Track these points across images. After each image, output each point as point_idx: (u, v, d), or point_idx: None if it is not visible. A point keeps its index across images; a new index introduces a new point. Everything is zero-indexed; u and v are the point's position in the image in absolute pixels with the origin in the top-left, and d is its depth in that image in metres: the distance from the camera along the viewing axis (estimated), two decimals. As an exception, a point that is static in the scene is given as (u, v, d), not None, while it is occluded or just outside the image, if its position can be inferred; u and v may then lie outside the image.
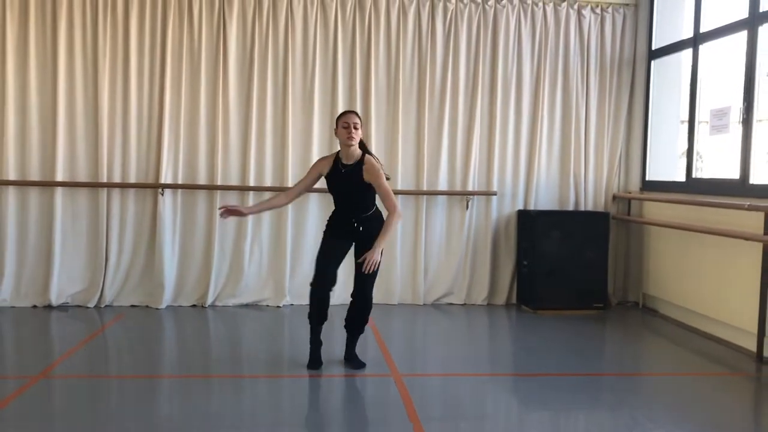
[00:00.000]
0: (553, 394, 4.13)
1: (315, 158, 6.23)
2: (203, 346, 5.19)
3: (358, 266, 4.27)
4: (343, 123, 4.26)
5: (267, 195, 6.23)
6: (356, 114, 4.35)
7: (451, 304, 6.55)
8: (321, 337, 4.53)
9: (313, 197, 6.31)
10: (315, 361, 4.46)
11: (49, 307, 5.98)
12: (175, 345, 5.35)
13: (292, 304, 6.29)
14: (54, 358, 4.68)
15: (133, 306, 6.12)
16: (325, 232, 4.50)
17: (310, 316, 4.47)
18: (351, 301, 4.49)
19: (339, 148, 4.41)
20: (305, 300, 6.19)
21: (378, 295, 6.40)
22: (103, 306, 6.06)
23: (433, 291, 6.57)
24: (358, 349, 4.62)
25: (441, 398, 4.05)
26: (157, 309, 6.05)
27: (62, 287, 6.03)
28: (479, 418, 3.79)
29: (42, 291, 6.01)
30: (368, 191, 4.33)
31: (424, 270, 6.52)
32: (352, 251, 4.46)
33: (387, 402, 3.95)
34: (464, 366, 4.73)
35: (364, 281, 4.35)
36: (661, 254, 6.27)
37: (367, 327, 5.70)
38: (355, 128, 4.23)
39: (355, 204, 4.36)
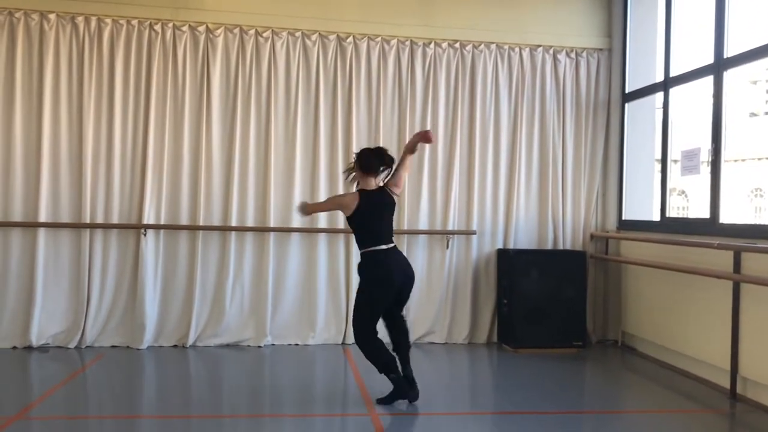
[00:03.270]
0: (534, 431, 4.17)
1: (297, 199, 6.35)
2: (184, 387, 5.19)
3: None
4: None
5: (249, 235, 6.32)
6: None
7: (432, 343, 6.59)
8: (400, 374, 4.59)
9: (295, 236, 6.38)
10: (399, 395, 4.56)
11: (29, 348, 5.96)
12: (155, 385, 5.35)
13: (273, 344, 6.31)
14: (32, 398, 4.66)
15: (114, 346, 6.11)
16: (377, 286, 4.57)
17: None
18: None
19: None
20: (286, 340, 6.31)
21: (359, 334, 6.46)
22: (83, 347, 6.04)
23: (415, 330, 6.55)
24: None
25: (418, 437, 4.08)
26: (138, 349, 6.05)
27: (43, 328, 6.02)
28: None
29: (22, 332, 5.99)
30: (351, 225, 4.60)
31: (405, 309, 6.55)
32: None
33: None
34: (444, 405, 4.77)
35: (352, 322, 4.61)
36: (639, 292, 6.37)
37: (346, 365, 5.78)
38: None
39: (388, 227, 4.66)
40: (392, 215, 4.67)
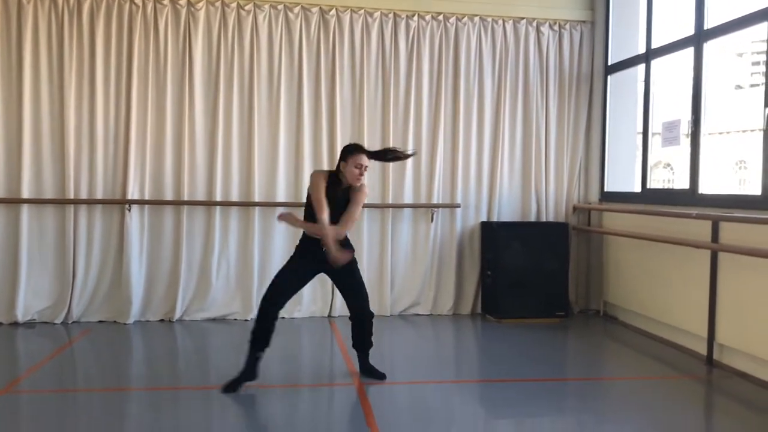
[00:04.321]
0: (516, 398, 4.26)
1: (281, 174, 6.39)
2: (171, 360, 5.24)
3: (346, 288, 4.49)
4: (356, 164, 4.34)
5: (234, 210, 6.34)
6: (366, 155, 4.43)
7: (417, 314, 6.67)
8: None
9: (280, 211, 6.40)
10: (238, 383, 4.26)
11: (15, 324, 5.98)
12: (143, 359, 5.39)
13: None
14: (20, 373, 4.70)
15: (100, 321, 6.15)
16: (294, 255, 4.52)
17: (256, 341, 4.32)
18: (352, 324, 4.59)
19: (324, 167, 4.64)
20: (271, 313, 6.33)
21: (343, 307, 6.51)
22: (70, 322, 6.07)
23: (400, 302, 6.68)
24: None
25: (402, 405, 4.16)
26: (125, 324, 6.08)
27: (29, 304, 6.04)
28: (442, 422, 3.90)
29: (8, 308, 6.00)
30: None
31: (390, 282, 6.64)
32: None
33: (347, 411, 4.06)
34: (429, 373, 4.85)
35: (357, 298, 4.51)
36: (620, 263, 6.46)
37: (333, 338, 5.84)
38: (365, 170, 4.39)
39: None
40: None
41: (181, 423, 3.81)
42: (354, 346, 4.65)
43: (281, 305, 4.41)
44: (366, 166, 4.38)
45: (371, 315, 4.58)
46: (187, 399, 4.22)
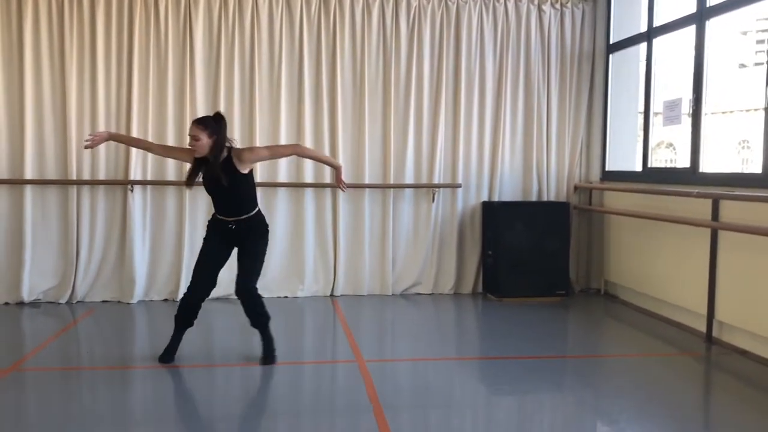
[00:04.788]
0: (517, 375, 4.31)
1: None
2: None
3: (239, 262, 4.36)
4: (189, 134, 4.20)
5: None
6: (198, 124, 4.17)
7: (418, 294, 6.72)
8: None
9: (282, 191, 6.43)
10: (168, 354, 4.41)
11: (20, 303, 6.04)
12: (147, 338, 5.45)
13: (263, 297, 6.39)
14: (26, 351, 4.76)
15: (104, 301, 6.20)
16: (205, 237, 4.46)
17: (179, 324, 4.45)
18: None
19: None
20: (276, 293, 6.39)
21: (348, 286, 6.60)
22: (74, 302, 6.13)
23: (401, 281, 6.72)
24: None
25: (404, 381, 4.22)
26: (128, 304, 6.14)
27: (34, 284, 6.10)
28: (442, 397, 3.95)
29: (13, 288, 6.06)
30: (246, 185, 4.32)
31: (392, 261, 6.68)
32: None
33: (349, 386, 4.11)
34: (431, 351, 4.92)
35: (241, 272, 4.33)
36: (621, 242, 6.49)
37: (335, 316, 5.89)
38: (196, 140, 4.13)
39: (233, 201, 4.32)
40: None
41: (186, 397, 3.87)
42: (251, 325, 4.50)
43: (204, 291, 4.41)
44: (195, 135, 4.13)
45: (250, 291, 4.35)
46: (191, 376, 4.27)
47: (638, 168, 6.40)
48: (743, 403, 3.97)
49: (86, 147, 4.43)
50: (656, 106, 6.21)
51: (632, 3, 6.72)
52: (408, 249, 6.71)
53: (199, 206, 6.30)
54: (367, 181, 6.52)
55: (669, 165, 5.97)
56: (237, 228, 4.34)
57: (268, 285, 6.35)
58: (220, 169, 4.19)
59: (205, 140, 4.15)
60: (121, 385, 4.11)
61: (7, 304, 6.04)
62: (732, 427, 3.57)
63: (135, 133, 6.13)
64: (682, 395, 4.06)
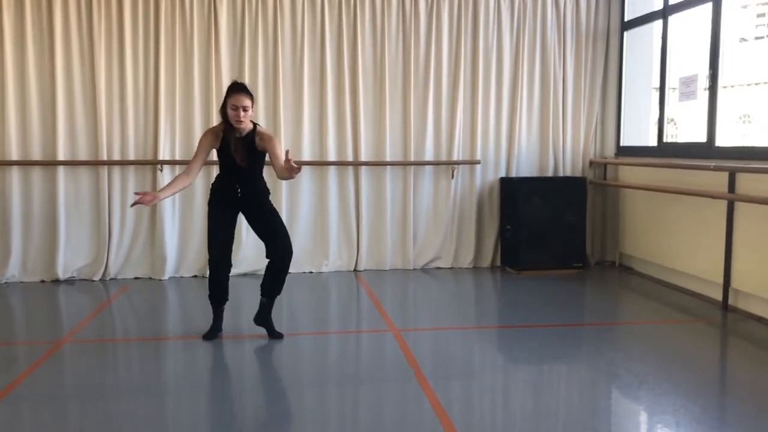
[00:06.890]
0: (536, 342, 4.51)
1: (306, 134, 6.57)
2: (207, 313, 5.47)
3: (262, 228, 4.42)
4: (232, 105, 4.13)
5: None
6: (247, 95, 4.17)
7: (439, 268, 6.92)
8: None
9: (306, 169, 6.59)
10: (213, 333, 4.54)
11: (56, 281, 6.24)
12: (179, 312, 5.66)
13: (289, 272, 6.58)
14: (74, 324, 4.97)
15: (136, 278, 6.41)
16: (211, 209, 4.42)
17: (215, 300, 4.55)
18: (269, 262, 4.44)
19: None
20: (301, 268, 6.58)
21: (370, 261, 6.80)
22: (108, 279, 6.34)
23: (422, 256, 6.92)
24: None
25: (439, 348, 4.42)
26: (160, 280, 6.34)
27: (68, 262, 6.30)
28: (479, 363, 4.16)
29: (49, 266, 6.27)
30: (263, 161, 4.39)
31: (413, 237, 6.87)
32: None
33: (389, 353, 4.31)
34: (453, 320, 5.13)
35: (276, 233, 4.37)
36: (636, 215, 6.67)
37: (360, 289, 6.09)
38: (245, 111, 4.13)
39: (246, 176, 4.35)
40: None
41: (220, 366, 4.08)
42: (262, 290, 4.51)
43: (227, 264, 4.48)
44: (245, 106, 4.12)
45: (291, 251, 4.44)
46: (220, 347, 4.45)
47: (653, 143, 6.56)
48: (759, 366, 4.16)
49: (133, 205, 4.26)
50: (670, 82, 6.36)
51: (646, -20, 6.83)
52: (428, 224, 6.90)
53: (226, 185, 6.47)
54: (388, 158, 6.70)
55: (672, 139, 6.17)
56: (243, 193, 4.35)
57: (294, 260, 6.49)
58: (250, 144, 4.25)
59: (251, 111, 4.22)
60: (173, 355, 4.32)
61: (42, 281, 6.25)
62: (750, 385, 3.79)
63: (162, 114, 6.30)
64: (699, 359, 4.27)
